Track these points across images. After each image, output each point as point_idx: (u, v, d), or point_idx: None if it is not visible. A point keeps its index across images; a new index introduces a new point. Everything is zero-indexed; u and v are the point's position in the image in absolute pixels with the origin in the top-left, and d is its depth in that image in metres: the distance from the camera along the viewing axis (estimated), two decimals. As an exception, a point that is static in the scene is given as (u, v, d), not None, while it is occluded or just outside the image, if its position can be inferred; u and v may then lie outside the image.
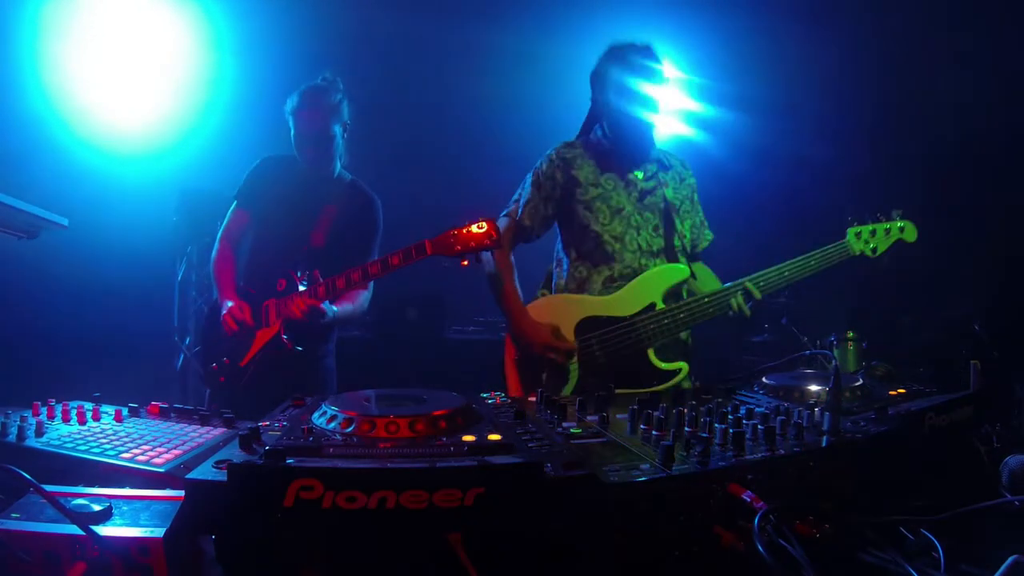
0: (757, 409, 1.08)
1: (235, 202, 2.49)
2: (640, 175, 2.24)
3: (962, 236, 4.79)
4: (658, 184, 2.25)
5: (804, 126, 5.10)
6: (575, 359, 2.06)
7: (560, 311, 2.13)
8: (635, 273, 2.13)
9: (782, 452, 0.90)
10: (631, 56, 2.19)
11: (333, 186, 2.46)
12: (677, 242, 2.23)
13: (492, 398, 1.24)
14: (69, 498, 0.78)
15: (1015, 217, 4.42)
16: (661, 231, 2.20)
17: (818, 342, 4.61)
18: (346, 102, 2.39)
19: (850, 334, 4.55)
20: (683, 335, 2.18)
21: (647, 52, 2.20)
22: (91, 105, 4.36)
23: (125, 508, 0.79)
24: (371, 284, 2.42)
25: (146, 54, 4.47)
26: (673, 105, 5.73)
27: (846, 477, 0.94)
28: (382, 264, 2.11)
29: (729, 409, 1.08)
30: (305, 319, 2.18)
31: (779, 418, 1.00)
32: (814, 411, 1.06)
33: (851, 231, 2.15)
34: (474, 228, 2.04)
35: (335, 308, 2.28)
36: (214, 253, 2.46)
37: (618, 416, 1.09)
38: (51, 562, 0.73)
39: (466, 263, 2.11)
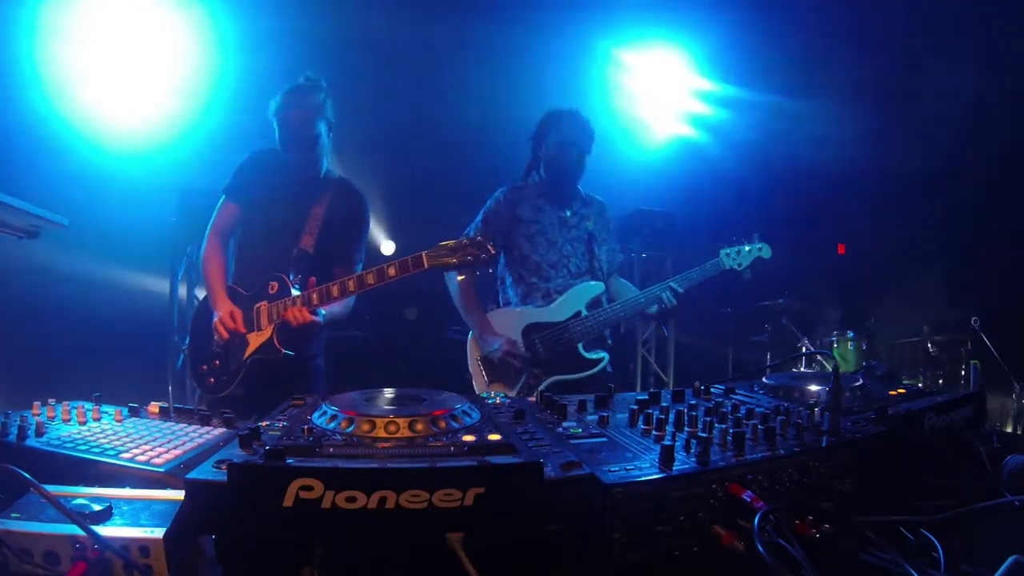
0: (757, 409, 1.07)
1: (224, 196, 2.45)
2: (568, 212, 2.82)
3: (962, 236, 4.79)
4: (582, 219, 2.84)
5: (806, 128, 5.10)
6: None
7: (511, 320, 2.73)
8: (565, 289, 2.73)
9: (782, 452, 0.90)
10: (565, 120, 2.72)
11: (321, 184, 2.44)
12: (596, 264, 2.80)
13: (492, 398, 1.24)
14: (69, 498, 0.78)
15: (1015, 217, 4.42)
16: (585, 256, 2.80)
17: (818, 342, 4.62)
18: (330, 101, 2.37)
19: (850, 334, 4.56)
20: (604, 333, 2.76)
21: (577, 117, 2.73)
22: (91, 105, 4.36)
23: (125, 508, 0.79)
24: None
25: (146, 53, 4.47)
26: (676, 107, 5.75)
27: (846, 477, 0.94)
28: (377, 275, 2.09)
29: (729, 409, 1.08)
30: (300, 330, 2.17)
31: (779, 418, 0.99)
32: (814, 411, 1.06)
33: (723, 251, 2.70)
34: (468, 241, 2.04)
35: (323, 311, 2.26)
36: (203, 250, 2.43)
37: (618, 416, 1.09)
38: (51, 562, 0.73)
39: (462, 277, 2.53)
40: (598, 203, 2.93)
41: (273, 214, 2.38)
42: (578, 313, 2.66)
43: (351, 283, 2.12)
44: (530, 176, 2.86)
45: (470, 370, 2.78)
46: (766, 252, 2.70)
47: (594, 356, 2.67)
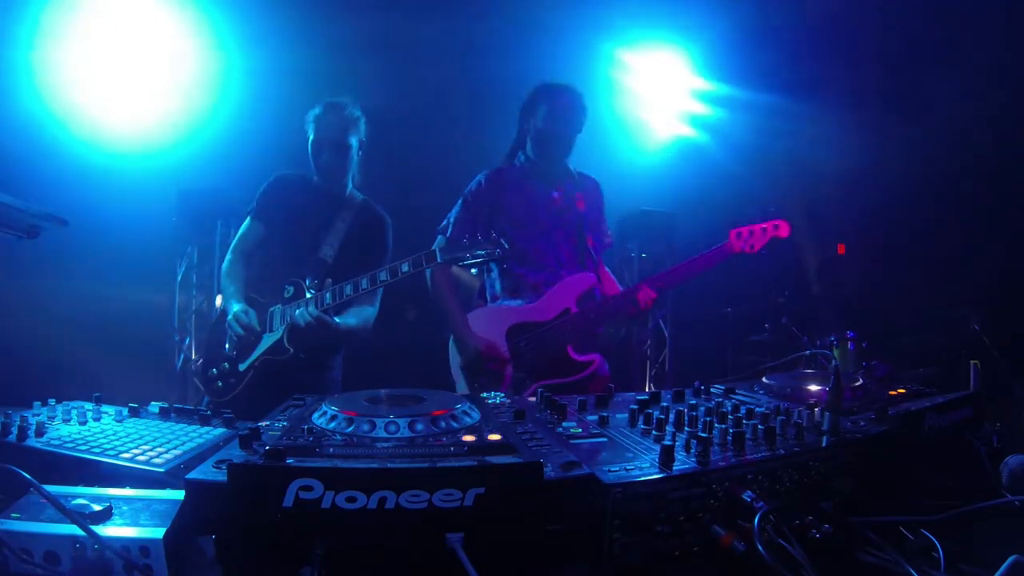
0: (757, 409, 1.08)
1: (249, 217, 2.51)
2: (558, 193, 2.54)
3: (963, 236, 4.79)
4: (573, 200, 2.55)
5: (806, 128, 5.09)
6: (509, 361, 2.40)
7: (494, 319, 2.45)
8: (554, 282, 2.44)
9: (782, 452, 0.90)
10: (558, 93, 2.50)
11: (345, 204, 2.47)
12: (587, 251, 2.53)
13: (492, 398, 1.24)
14: (69, 498, 0.78)
15: (1016, 217, 4.42)
16: (576, 242, 2.53)
17: (818, 342, 4.62)
18: (364, 121, 2.44)
19: (850, 334, 4.54)
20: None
21: (571, 91, 2.51)
22: (92, 105, 4.36)
23: (125, 508, 0.79)
24: (377, 302, 2.46)
25: (147, 56, 4.47)
26: (678, 107, 5.75)
27: (846, 477, 0.94)
28: (391, 272, 2.10)
29: (729, 409, 1.08)
30: (310, 328, 2.17)
31: (779, 418, 1.00)
32: (814, 411, 1.06)
33: (734, 233, 2.37)
34: (482, 238, 2.07)
35: (338, 320, 2.26)
36: (225, 264, 2.46)
37: (617, 416, 1.09)
38: (51, 562, 0.73)
39: (475, 272, 2.21)
40: (591, 181, 2.67)
41: (296, 234, 2.42)
42: (567, 310, 2.38)
43: (364, 280, 2.13)
44: (515, 157, 2.60)
45: (453, 377, 2.52)
46: (783, 230, 2.32)
47: (584, 359, 2.38)
